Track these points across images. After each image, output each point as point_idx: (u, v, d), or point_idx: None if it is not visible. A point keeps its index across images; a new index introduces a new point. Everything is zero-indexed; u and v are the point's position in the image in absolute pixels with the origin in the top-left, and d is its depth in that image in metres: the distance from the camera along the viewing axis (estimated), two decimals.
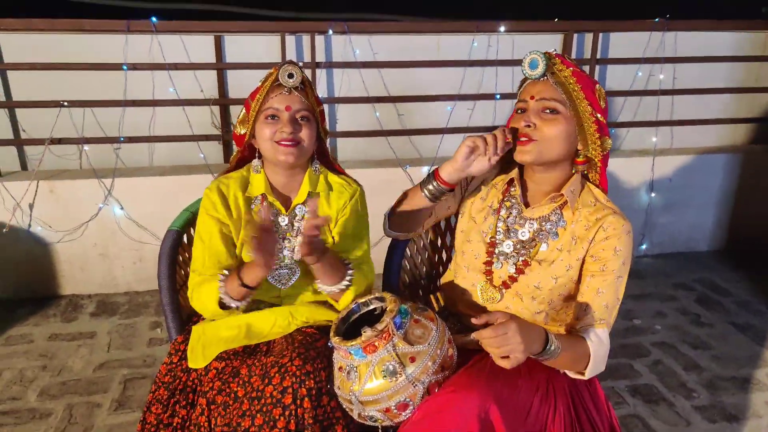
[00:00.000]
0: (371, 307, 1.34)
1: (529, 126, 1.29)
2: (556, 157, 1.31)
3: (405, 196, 1.45)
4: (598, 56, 3.37)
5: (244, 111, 1.52)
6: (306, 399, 1.23)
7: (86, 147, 3.04)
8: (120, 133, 3.00)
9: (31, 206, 2.88)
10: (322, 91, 3.19)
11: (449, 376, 1.23)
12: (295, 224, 1.52)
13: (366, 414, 1.22)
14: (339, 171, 1.64)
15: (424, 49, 3.27)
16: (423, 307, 1.29)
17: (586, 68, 3.39)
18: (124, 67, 2.89)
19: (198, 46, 3.05)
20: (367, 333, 1.18)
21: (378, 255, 1.61)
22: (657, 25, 3.34)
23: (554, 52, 1.31)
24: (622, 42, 3.44)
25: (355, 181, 1.63)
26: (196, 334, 1.48)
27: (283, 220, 1.52)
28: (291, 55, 3.10)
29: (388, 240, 1.70)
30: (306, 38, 3.09)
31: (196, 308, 1.49)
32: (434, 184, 1.35)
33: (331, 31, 3.05)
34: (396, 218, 1.47)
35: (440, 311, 1.62)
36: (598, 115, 1.30)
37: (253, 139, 1.51)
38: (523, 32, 3.31)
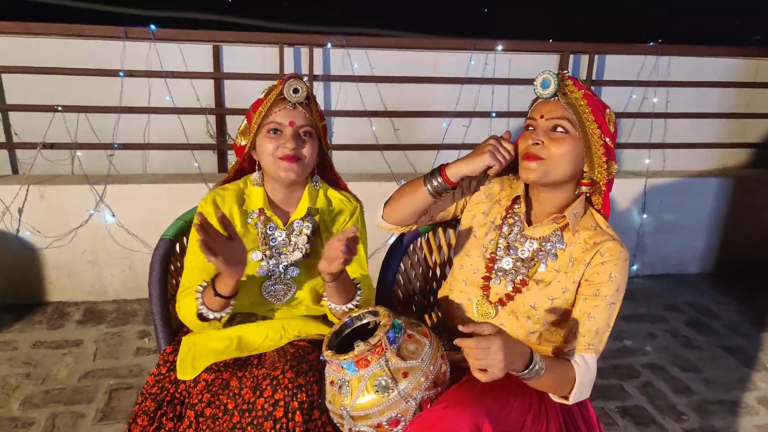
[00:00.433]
0: (364, 321, 1.33)
1: (537, 144, 1.29)
2: (562, 178, 1.31)
3: (405, 187, 1.46)
4: (594, 77, 3.41)
5: (245, 122, 1.50)
6: (297, 412, 1.21)
7: (79, 153, 3.02)
8: (114, 140, 2.99)
9: (20, 211, 2.84)
10: (319, 104, 3.19)
11: (441, 393, 1.22)
12: (293, 239, 1.51)
13: (357, 429, 1.20)
14: (342, 186, 1.63)
15: (422, 66, 3.29)
16: (417, 322, 1.28)
17: None
18: (121, 74, 2.89)
19: (196, 55, 3.05)
20: (360, 347, 1.16)
21: (372, 269, 1.60)
22: (651, 48, 3.38)
23: (567, 74, 1.33)
24: (618, 64, 3.49)
25: (355, 197, 1.61)
26: (186, 345, 1.46)
27: (281, 235, 1.50)
28: (289, 67, 3.11)
29: (383, 254, 1.70)
30: (304, 50, 3.10)
31: (183, 321, 1.46)
32: (439, 180, 1.38)
33: (329, 45, 3.06)
34: (392, 207, 1.47)
35: (435, 326, 1.61)
36: (607, 140, 1.31)
37: (253, 151, 1.49)
38: (520, 51, 3.34)
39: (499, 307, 1.38)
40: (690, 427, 2.17)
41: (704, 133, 3.73)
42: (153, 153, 3.19)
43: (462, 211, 1.54)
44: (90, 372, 2.38)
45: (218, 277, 1.35)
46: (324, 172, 1.61)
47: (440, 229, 1.71)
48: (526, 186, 1.42)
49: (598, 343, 1.28)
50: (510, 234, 1.41)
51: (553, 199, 1.36)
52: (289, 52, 3.11)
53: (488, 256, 1.41)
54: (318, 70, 3.15)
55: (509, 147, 1.33)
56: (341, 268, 1.29)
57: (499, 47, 3.21)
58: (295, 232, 1.51)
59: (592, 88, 3.43)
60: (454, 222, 1.69)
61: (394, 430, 1.18)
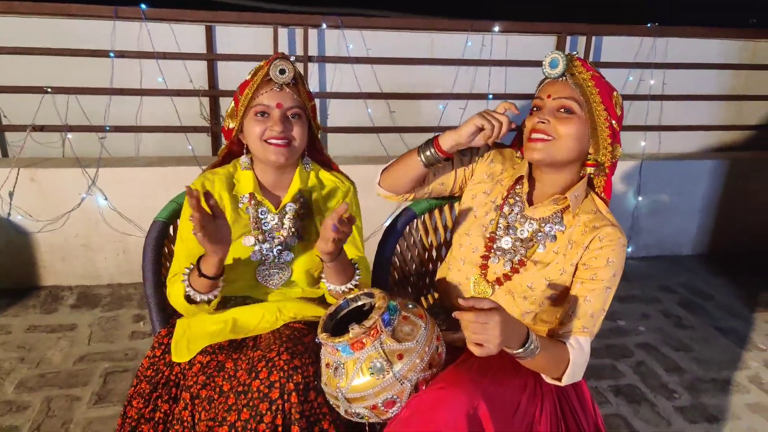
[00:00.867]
0: (360, 303, 1.32)
1: (543, 122, 1.28)
2: (567, 158, 1.31)
3: (402, 155, 1.46)
4: (591, 59, 3.39)
5: (232, 104, 1.47)
6: (293, 394, 1.21)
7: (70, 135, 2.98)
8: (105, 122, 2.95)
9: (11, 194, 2.81)
10: (313, 86, 3.16)
11: (437, 374, 1.22)
12: (285, 222, 1.49)
13: (353, 411, 1.20)
14: (333, 168, 1.61)
15: (418, 47, 3.26)
16: (412, 304, 1.27)
17: None
18: (111, 55, 2.84)
19: (188, 35, 3.00)
20: (355, 330, 1.16)
21: (368, 251, 1.59)
22: (649, 30, 3.36)
23: (576, 55, 1.31)
24: (614, 46, 3.46)
25: (347, 178, 1.60)
26: (180, 328, 1.46)
27: (273, 219, 1.49)
28: (283, 48, 3.07)
29: (379, 236, 1.69)
30: (299, 31, 3.06)
31: (174, 306, 1.45)
32: (432, 151, 1.37)
33: (324, 25, 3.02)
34: (388, 174, 1.47)
35: (431, 307, 1.61)
36: (613, 122, 1.30)
37: (241, 134, 1.47)
38: (517, 33, 3.31)
39: (496, 287, 1.38)
40: (681, 404, 2.19)
41: (700, 116, 3.72)
42: (146, 136, 3.15)
43: (461, 189, 1.53)
44: (85, 356, 2.38)
45: (203, 257, 1.33)
46: (313, 153, 1.59)
47: (436, 211, 1.71)
48: (530, 166, 1.41)
49: (593, 326, 1.29)
50: (510, 214, 1.41)
51: (556, 180, 1.36)
52: (283, 32, 3.06)
53: (488, 236, 1.41)
54: (313, 51, 3.11)
55: (500, 115, 1.31)
56: (336, 247, 1.28)
57: (496, 28, 3.17)
58: (287, 216, 1.50)
59: None
60: (450, 203, 1.69)
61: (390, 411, 1.18)
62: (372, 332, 1.16)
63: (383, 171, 1.50)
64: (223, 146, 1.54)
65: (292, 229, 1.49)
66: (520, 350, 1.16)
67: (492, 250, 1.40)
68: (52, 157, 3.01)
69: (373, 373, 1.15)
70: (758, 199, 3.62)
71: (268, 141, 1.40)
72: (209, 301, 1.38)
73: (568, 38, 3.35)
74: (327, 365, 1.22)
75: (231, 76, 3.13)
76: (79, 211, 2.88)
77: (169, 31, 2.94)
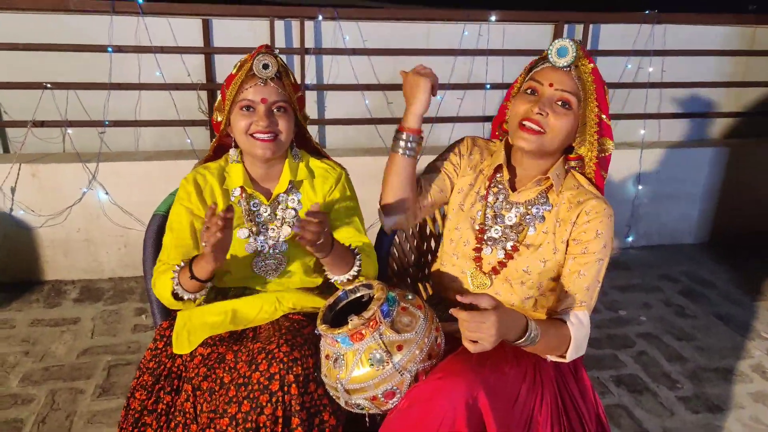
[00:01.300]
0: (359, 294, 1.33)
1: (541, 114, 1.27)
2: (555, 149, 1.32)
3: (386, 169, 1.44)
4: (588, 47, 3.38)
5: (220, 98, 1.48)
6: (293, 385, 1.22)
7: (70, 130, 2.99)
8: (105, 117, 2.95)
9: (12, 190, 2.82)
10: (310, 78, 3.15)
11: (437, 364, 1.23)
12: (278, 213, 1.50)
13: (353, 402, 1.21)
14: (323, 155, 1.60)
15: (414, 37, 3.25)
16: (411, 295, 1.28)
17: None
18: (109, 50, 2.84)
19: (185, 29, 3.00)
20: (354, 321, 1.17)
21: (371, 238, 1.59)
22: (647, 17, 3.34)
23: (580, 44, 1.30)
24: (612, 34, 3.45)
25: (338, 164, 1.59)
26: (181, 320, 1.46)
27: (266, 211, 1.50)
28: (280, 40, 3.06)
29: (377, 227, 1.69)
30: (295, 24, 3.05)
31: (158, 297, 1.45)
32: (402, 136, 1.37)
33: (320, 17, 3.01)
34: (385, 193, 1.43)
35: (430, 298, 1.62)
36: (604, 116, 1.30)
37: (228, 127, 1.47)
38: (514, 22, 3.30)
39: (493, 276, 1.38)
40: (684, 394, 2.20)
41: (700, 103, 3.71)
42: (144, 130, 3.15)
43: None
44: (88, 349, 2.40)
45: (197, 260, 1.34)
46: (303, 142, 1.59)
47: None
48: (507, 151, 1.41)
49: (590, 299, 1.30)
50: (496, 203, 1.41)
51: (538, 166, 1.36)
52: (279, 25, 3.06)
53: (477, 227, 1.41)
54: (309, 43, 3.10)
55: (423, 67, 1.35)
56: (315, 244, 1.25)
57: (493, 18, 3.16)
58: (280, 207, 1.50)
59: None
60: None
61: (390, 402, 1.19)
62: (371, 323, 1.17)
63: (381, 199, 1.46)
64: (214, 140, 1.55)
65: (286, 220, 1.50)
66: (521, 340, 1.17)
67: (483, 241, 1.40)
68: (53, 153, 3.02)
69: (372, 364, 1.16)
70: (760, 186, 3.61)
71: (254, 135, 1.40)
72: (195, 300, 1.40)
73: (566, 26, 3.33)
74: (327, 356, 1.23)
75: (228, 69, 3.11)
76: (80, 205, 2.89)
77: (166, 25, 2.94)
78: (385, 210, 1.45)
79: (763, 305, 2.89)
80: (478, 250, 1.40)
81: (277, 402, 1.21)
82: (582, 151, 1.35)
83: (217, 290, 1.52)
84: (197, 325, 1.43)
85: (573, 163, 1.36)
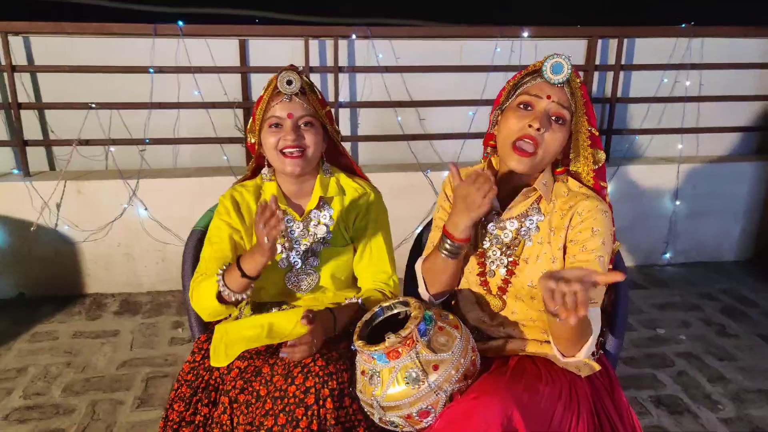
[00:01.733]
0: (395, 311, 1.34)
1: (539, 130, 1.25)
2: (544, 166, 1.32)
3: (426, 263, 1.42)
4: (623, 62, 3.34)
5: (251, 120, 1.52)
6: (329, 399, 1.23)
7: (112, 148, 3.09)
8: (145, 135, 3.05)
9: (58, 206, 2.93)
10: (344, 95, 3.20)
11: (471, 385, 1.22)
12: (310, 229, 1.53)
13: (387, 419, 1.21)
14: (357, 173, 1.62)
15: (447, 54, 3.27)
16: (447, 315, 1.28)
17: (610, 74, 3.37)
18: (151, 70, 2.94)
19: (223, 49, 3.09)
20: (391, 339, 1.17)
21: (399, 261, 1.61)
22: (683, 31, 3.30)
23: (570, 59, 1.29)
24: (648, 48, 3.41)
25: (370, 185, 1.61)
26: (218, 334, 1.49)
27: (298, 227, 1.52)
28: (314, 59, 3.12)
29: (409, 244, 1.70)
30: (329, 43, 3.11)
31: (195, 308, 1.47)
32: (448, 241, 1.32)
33: (354, 36, 3.06)
34: (432, 285, 1.42)
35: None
36: (592, 129, 1.29)
37: (260, 147, 1.51)
38: (547, 38, 3.29)
39: (503, 296, 1.38)
40: (726, 416, 2.13)
41: (739, 117, 3.62)
42: (183, 147, 3.24)
43: None
44: (127, 361, 2.45)
45: (247, 255, 1.36)
46: (336, 157, 1.61)
47: None
48: (491, 171, 1.41)
49: (599, 296, 1.27)
50: (489, 224, 1.41)
51: (525, 179, 1.36)
52: (314, 44, 3.12)
53: (477, 252, 1.41)
54: (343, 61, 3.15)
55: (485, 176, 1.24)
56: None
57: (525, 34, 3.16)
58: (312, 222, 1.53)
59: (622, 73, 3.37)
60: None
61: (424, 421, 1.19)
62: (408, 342, 1.17)
63: (426, 286, 1.44)
64: (251, 161, 1.60)
65: (318, 236, 1.52)
66: None
67: (485, 265, 1.40)
68: (96, 170, 3.12)
69: (408, 383, 1.16)
70: None
71: (283, 152, 1.44)
72: (238, 303, 1.41)
73: (599, 41, 3.31)
74: (362, 373, 1.24)
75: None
76: (120, 221, 2.98)
77: (204, 46, 3.03)
78: (433, 295, 1.44)
79: None
80: (482, 274, 1.40)
81: (313, 415, 1.22)
82: (578, 167, 1.34)
83: (254, 305, 1.55)
84: (234, 338, 1.46)
85: (560, 177, 1.35)
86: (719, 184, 3.45)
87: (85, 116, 3.01)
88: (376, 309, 1.33)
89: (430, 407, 1.18)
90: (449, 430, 1.15)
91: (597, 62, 3.33)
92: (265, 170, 1.54)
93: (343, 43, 3.14)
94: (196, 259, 1.66)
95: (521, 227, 1.36)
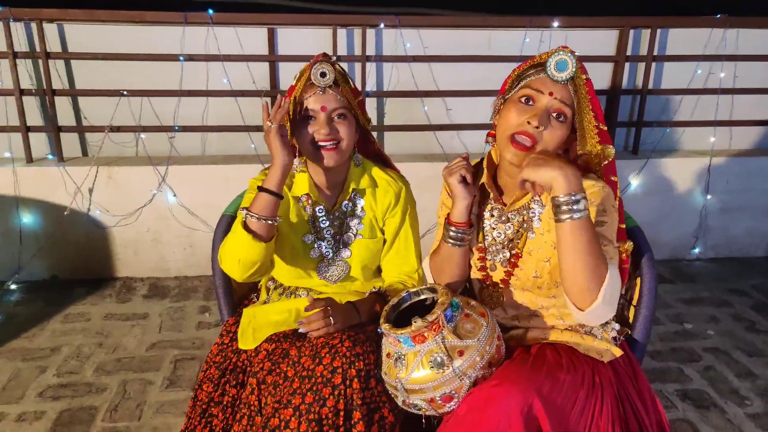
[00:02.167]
0: (422, 297, 1.35)
1: (538, 127, 1.24)
2: None
3: (434, 256, 1.46)
4: (656, 53, 3.28)
5: None
6: (355, 380, 1.25)
7: (143, 135, 3.15)
8: (175, 123, 3.10)
9: (90, 191, 3.00)
10: (371, 85, 3.20)
11: (495, 372, 1.23)
12: (342, 220, 1.53)
13: (410, 402, 1.23)
14: (387, 163, 1.63)
15: (475, 44, 3.25)
16: (475, 302, 1.29)
17: (642, 65, 3.31)
18: (181, 58, 2.98)
19: (251, 38, 3.11)
20: (418, 323, 1.18)
21: (425, 248, 1.61)
22: (718, 21, 3.22)
23: (576, 54, 1.25)
24: (681, 39, 3.33)
25: (400, 177, 1.60)
26: (246, 317, 1.52)
27: (329, 217, 1.53)
28: (342, 48, 3.13)
29: (433, 234, 1.71)
30: (357, 31, 3.11)
31: (225, 267, 1.43)
32: (451, 229, 1.36)
33: (382, 25, 3.06)
34: (441, 278, 1.46)
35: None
36: (600, 125, 1.27)
37: (292, 137, 1.49)
38: (578, 28, 3.25)
39: (509, 289, 1.40)
40: (753, 411, 2.10)
41: None
42: (211, 135, 3.29)
43: None
44: (156, 343, 2.51)
45: (265, 177, 1.39)
46: (366, 146, 1.61)
47: None
48: (491, 164, 1.41)
49: (611, 256, 1.24)
50: (491, 219, 1.41)
51: None
52: (342, 33, 3.12)
53: (478, 247, 1.42)
54: (371, 50, 3.15)
55: (459, 161, 1.33)
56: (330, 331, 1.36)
57: (555, 24, 3.12)
58: (343, 214, 1.54)
59: (654, 64, 3.31)
60: None
61: (447, 406, 1.20)
62: (434, 327, 1.18)
63: (435, 279, 1.49)
64: None
65: (349, 227, 1.53)
66: (565, 197, 1.14)
67: (486, 260, 1.40)
68: (127, 156, 3.19)
69: (433, 367, 1.17)
70: None
71: (318, 144, 1.42)
72: (266, 232, 1.36)
73: (631, 32, 3.25)
74: (388, 355, 1.25)
75: (292, 76, 3.21)
76: (150, 206, 3.04)
77: (233, 34, 3.06)
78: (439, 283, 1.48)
79: None
80: (483, 269, 1.42)
81: (339, 395, 1.24)
82: (593, 163, 1.32)
83: (282, 290, 1.58)
84: (262, 322, 1.48)
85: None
86: (752, 178, 3.38)
87: (116, 103, 3.06)
88: (404, 294, 1.34)
89: (453, 392, 1.19)
90: (470, 417, 1.16)
91: (628, 53, 3.27)
92: (296, 161, 1.51)
93: (371, 32, 3.14)
94: None
95: (523, 221, 1.36)
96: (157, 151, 3.14)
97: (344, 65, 3.14)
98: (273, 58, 3.14)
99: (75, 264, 3.10)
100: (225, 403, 1.44)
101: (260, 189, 1.37)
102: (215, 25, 2.99)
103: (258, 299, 1.67)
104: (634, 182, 3.30)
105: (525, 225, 1.36)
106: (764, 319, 2.78)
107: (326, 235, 1.53)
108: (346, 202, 1.54)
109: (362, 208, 1.55)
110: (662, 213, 3.37)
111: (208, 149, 3.31)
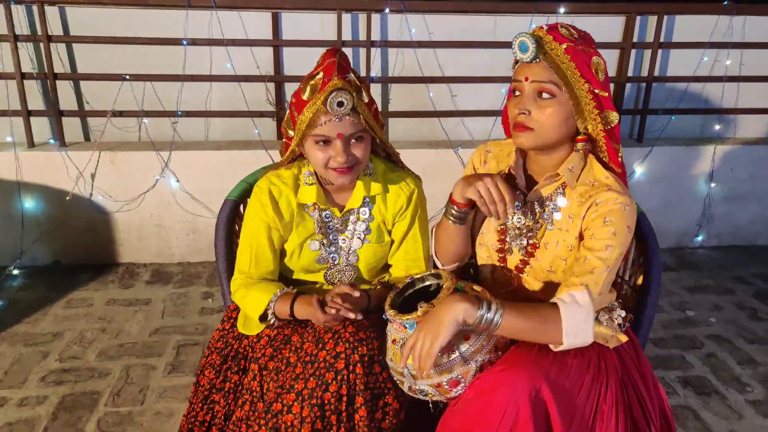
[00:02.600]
0: (427, 283, 1.35)
1: (523, 113, 1.25)
2: (555, 141, 1.29)
3: (436, 229, 1.46)
4: (662, 40, 3.25)
5: (289, 114, 1.41)
6: (358, 365, 1.25)
7: (145, 120, 3.13)
8: (178, 107, 3.08)
9: (92, 176, 2.99)
10: (375, 70, 3.17)
11: (501, 356, 1.23)
12: (350, 225, 1.50)
13: (417, 387, 1.23)
14: (395, 161, 1.56)
15: (481, 30, 3.21)
16: (479, 288, 1.29)
17: (648, 52, 3.28)
18: (184, 42, 2.96)
19: (255, 22, 3.08)
20: (424, 308, 1.18)
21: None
22: (725, 8, 3.19)
23: (545, 28, 1.25)
24: (688, 26, 3.30)
25: (412, 177, 1.54)
26: None
27: (337, 223, 1.50)
28: (347, 33, 3.10)
29: (438, 218, 1.70)
30: (362, 16, 3.08)
31: (239, 304, 1.49)
32: (453, 208, 1.36)
33: (387, 10, 3.03)
34: (441, 252, 1.47)
35: None
36: (596, 91, 1.25)
37: (302, 148, 1.41)
38: (584, 14, 3.21)
39: (522, 275, 1.39)
40: (754, 398, 2.11)
41: None
42: (214, 120, 3.27)
43: None
44: (159, 328, 2.52)
45: (302, 303, 1.37)
46: (378, 147, 1.52)
47: None
48: (522, 152, 1.39)
49: (594, 283, 1.21)
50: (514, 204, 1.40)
51: (551, 160, 1.33)
52: (346, 18, 3.09)
53: (498, 229, 1.41)
54: (376, 35, 3.12)
55: (501, 194, 1.25)
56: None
57: (562, 10, 3.09)
58: (352, 219, 1.50)
59: (660, 51, 3.28)
60: None
61: (454, 390, 1.20)
62: None
63: (436, 253, 1.50)
64: (288, 152, 1.47)
65: (357, 232, 1.50)
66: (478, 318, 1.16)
67: (505, 243, 1.40)
68: (129, 141, 3.17)
69: (439, 352, 1.17)
70: None
71: (332, 169, 1.36)
72: (274, 323, 1.43)
73: (638, 18, 3.22)
74: (393, 341, 1.25)
75: (296, 61, 3.19)
76: (153, 192, 3.03)
77: (237, 18, 3.03)
78: (442, 262, 1.49)
79: None
80: (501, 251, 1.41)
81: (342, 380, 1.24)
82: (589, 129, 1.30)
83: (287, 283, 1.57)
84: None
85: (580, 146, 1.31)
86: (756, 167, 3.36)
87: (119, 88, 3.04)
88: (408, 279, 1.34)
89: (460, 377, 1.19)
90: (477, 401, 1.16)
91: (635, 39, 3.24)
92: (306, 173, 1.45)
93: (375, 17, 3.11)
94: (229, 228, 1.69)
95: (543, 212, 1.35)
96: (160, 136, 3.13)
97: (348, 50, 3.12)
98: (277, 43, 3.12)
99: (77, 249, 3.10)
100: (227, 389, 1.45)
101: (290, 311, 1.39)
102: (219, 9, 2.96)
103: None
104: (639, 170, 3.29)
105: (545, 216, 1.35)
106: (766, 306, 2.78)
107: (333, 241, 1.50)
108: (354, 208, 1.49)
109: (370, 213, 1.51)
110: (666, 201, 3.36)
111: (212, 134, 3.30)
